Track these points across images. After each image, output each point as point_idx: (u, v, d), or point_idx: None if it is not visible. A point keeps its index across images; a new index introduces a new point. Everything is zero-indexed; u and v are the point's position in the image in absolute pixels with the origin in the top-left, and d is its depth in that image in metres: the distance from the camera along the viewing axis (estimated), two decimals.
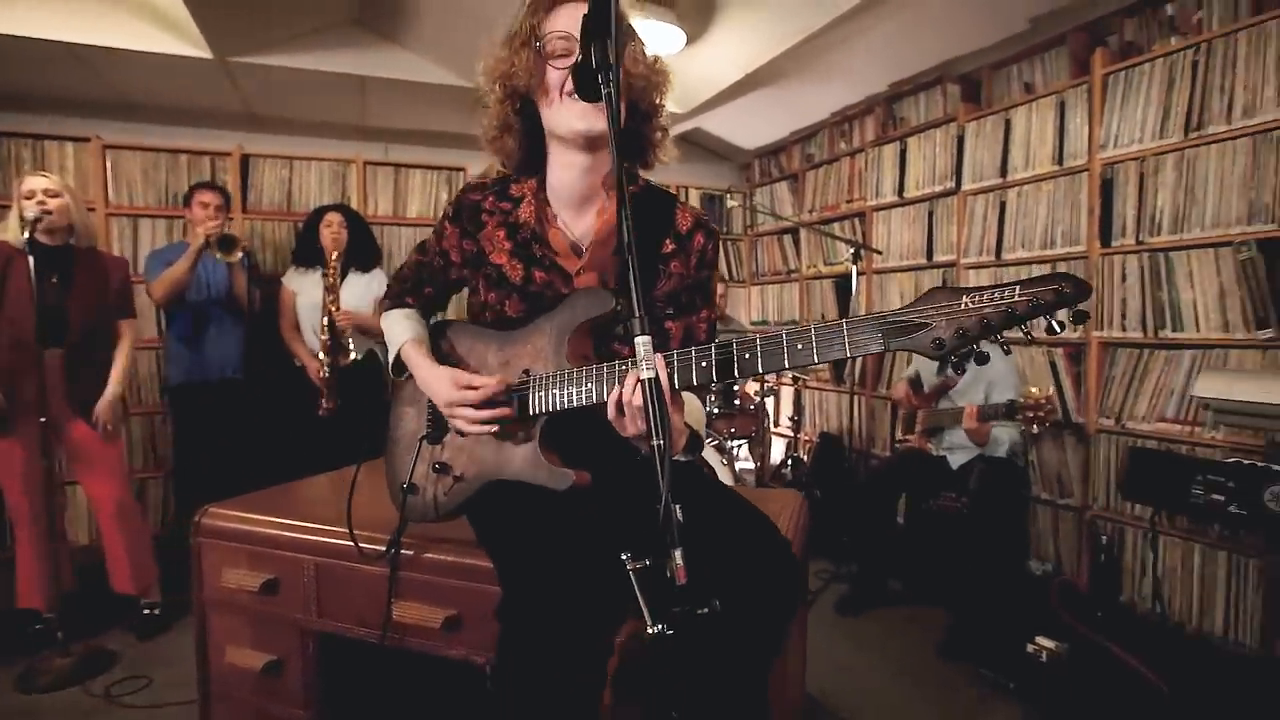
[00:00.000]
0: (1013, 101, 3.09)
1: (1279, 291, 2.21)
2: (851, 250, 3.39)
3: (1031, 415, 2.29)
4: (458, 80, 3.34)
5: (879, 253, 3.70)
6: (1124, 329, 2.64)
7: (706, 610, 0.62)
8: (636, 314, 0.71)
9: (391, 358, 1.22)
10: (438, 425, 1.17)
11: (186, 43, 2.87)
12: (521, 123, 1.11)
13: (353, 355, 3.06)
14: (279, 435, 3.17)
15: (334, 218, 3.16)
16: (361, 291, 3.21)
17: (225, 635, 1.35)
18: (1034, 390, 2.32)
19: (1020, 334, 0.75)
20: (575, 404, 0.99)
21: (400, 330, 1.21)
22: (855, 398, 3.86)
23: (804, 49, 3.17)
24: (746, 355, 0.85)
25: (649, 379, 0.69)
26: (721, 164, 5.26)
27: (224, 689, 1.37)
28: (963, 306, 0.75)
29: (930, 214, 3.53)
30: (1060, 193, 2.87)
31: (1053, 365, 2.90)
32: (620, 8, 0.96)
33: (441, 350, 1.21)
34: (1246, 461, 1.71)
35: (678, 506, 0.64)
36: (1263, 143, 2.26)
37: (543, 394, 1.04)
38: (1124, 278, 2.64)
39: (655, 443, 0.67)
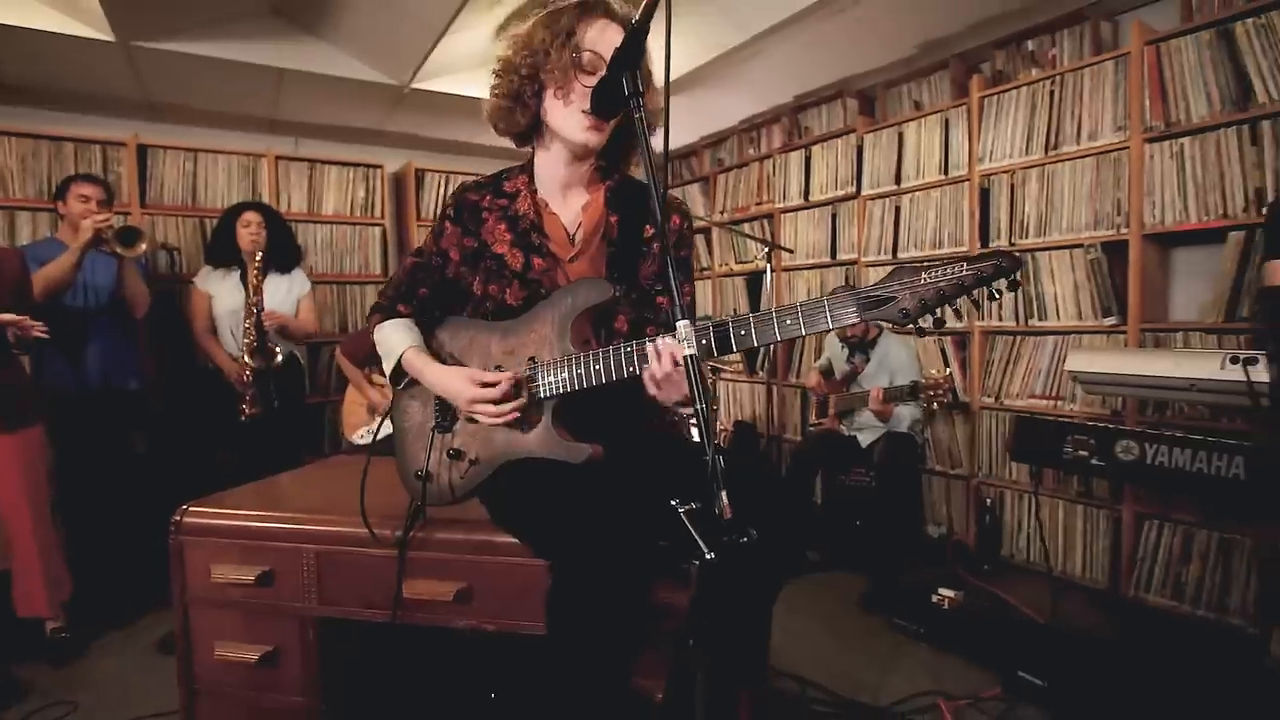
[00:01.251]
0: (904, 117, 3.47)
1: (1119, 286, 2.67)
2: (765, 249, 3.67)
3: (933, 394, 2.62)
4: (380, 77, 3.29)
5: (790, 251, 4.01)
6: (1000, 319, 3.05)
7: (746, 539, 0.77)
8: (677, 303, 0.84)
9: (389, 368, 1.26)
10: (446, 415, 1.25)
11: (87, 23, 2.66)
12: (535, 103, 1.19)
13: (279, 355, 2.94)
14: (194, 444, 3.02)
15: (252, 217, 3.02)
16: (283, 294, 3.10)
17: (213, 632, 1.35)
18: (933, 372, 2.65)
19: (970, 303, 0.93)
20: (586, 385, 1.11)
21: (397, 339, 1.26)
22: (768, 387, 4.15)
23: (718, 61, 3.39)
24: (742, 331, 0.99)
25: (690, 355, 0.82)
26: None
27: (211, 686, 1.36)
28: (923, 281, 0.93)
29: (833, 216, 3.87)
30: (946, 199, 3.27)
31: (943, 351, 3.29)
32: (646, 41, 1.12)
33: (442, 346, 1.28)
34: (1102, 424, 2.09)
35: (721, 457, 0.78)
36: (1104, 162, 2.70)
37: (553, 378, 1.14)
38: None
39: (698, 407, 0.81)
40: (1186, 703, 1.86)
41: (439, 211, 1.28)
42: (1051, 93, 2.84)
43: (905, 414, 2.91)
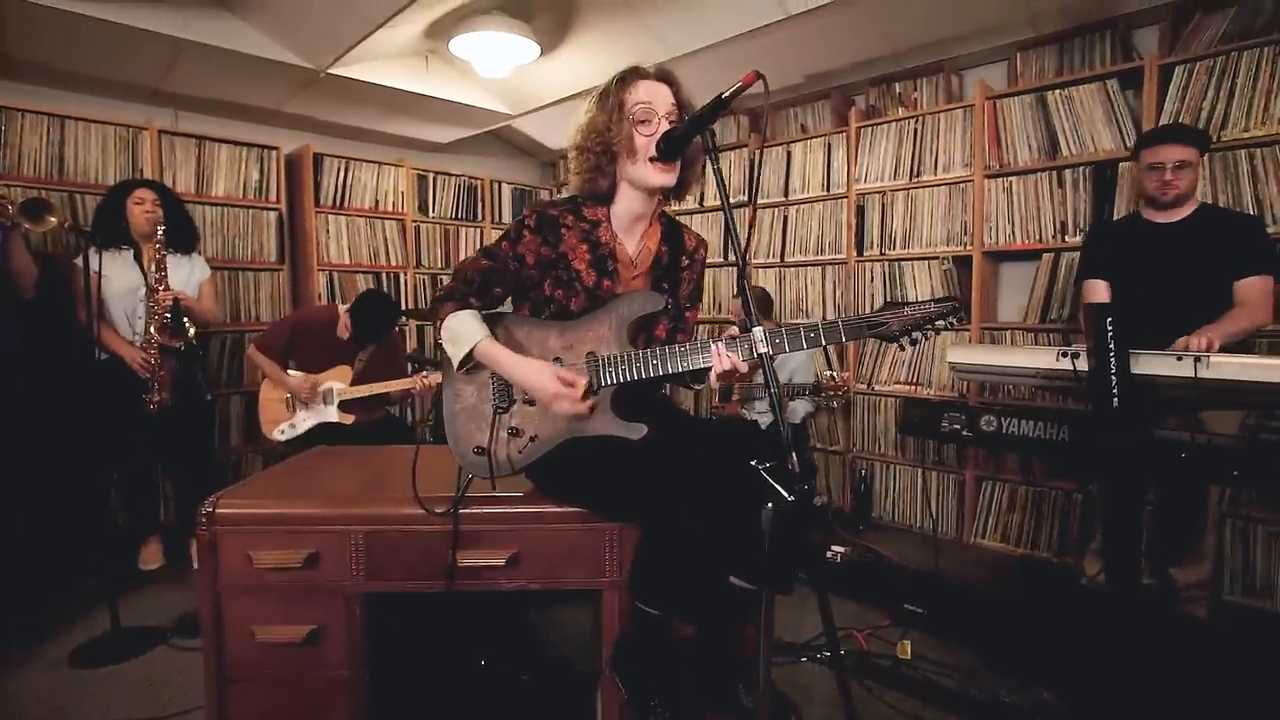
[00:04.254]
0: (792, 138, 3.94)
1: (964, 292, 3.29)
2: None
3: (833, 393, 3.09)
4: (294, 59, 3.15)
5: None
6: None
7: (808, 487, 1.04)
8: (753, 312, 1.10)
9: (459, 353, 1.38)
10: (504, 398, 1.40)
11: None
12: (611, 169, 1.43)
13: (191, 330, 2.77)
14: (98, 440, 2.76)
15: (145, 194, 2.82)
16: (184, 276, 2.92)
17: (250, 618, 1.38)
18: (831, 374, 3.11)
19: (930, 331, 1.29)
20: (642, 376, 1.34)
21: (471, 329, 1.38)
22: None
23: None
24: (776, 340, 1.27)
25: (764, 352, 1.09)
26: (526, 160, 5.50)
27: (247, 671, 1.39)
28: (905, 313, 1.27)
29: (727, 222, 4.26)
30: (828, 212, 3.78)
31: (825, 349, 3.81)
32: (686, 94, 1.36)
33: (503, 337, 1.43)
34: (970, 403, 2.64)
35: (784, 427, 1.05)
36: (954, 191, 3.31)
37: (612, 369, 1.35)
38: (872, 279, 3.61)
39: (771, 391, 1.07)
40: (1019, 611, 2.47)
41: (516, 221, 1.45)
42: (915, 130, 3.42)
43: (800, 408, 3.37)
